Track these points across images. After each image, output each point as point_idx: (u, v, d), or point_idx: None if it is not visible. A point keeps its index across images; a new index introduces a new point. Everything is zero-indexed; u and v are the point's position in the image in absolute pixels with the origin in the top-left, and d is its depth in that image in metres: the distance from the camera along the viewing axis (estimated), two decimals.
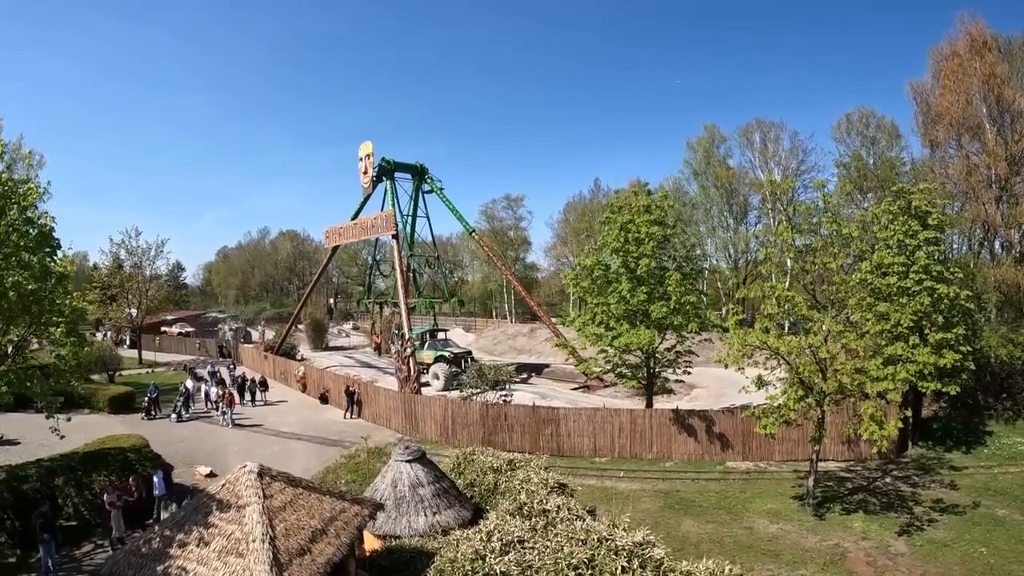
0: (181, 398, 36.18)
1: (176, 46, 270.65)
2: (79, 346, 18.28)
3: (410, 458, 17.47)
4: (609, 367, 28.06)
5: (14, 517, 18.80)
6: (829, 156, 71.15)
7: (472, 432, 28.90)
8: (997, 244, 34.53)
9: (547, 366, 49.70)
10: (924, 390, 22.99)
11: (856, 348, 16.76)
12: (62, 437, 19.35)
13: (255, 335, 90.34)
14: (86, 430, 30.13)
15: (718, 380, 38.07)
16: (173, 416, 34.85)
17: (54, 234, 17.73)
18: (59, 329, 17.63)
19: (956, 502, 21.48)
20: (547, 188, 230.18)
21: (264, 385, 40.32)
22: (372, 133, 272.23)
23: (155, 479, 21.32)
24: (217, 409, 35.65)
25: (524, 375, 47.65)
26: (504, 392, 31.31)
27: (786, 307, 17.82)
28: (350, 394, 35.24)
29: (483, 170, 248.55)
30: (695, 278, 28.86)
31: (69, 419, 19.92)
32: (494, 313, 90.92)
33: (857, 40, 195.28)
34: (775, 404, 17.91)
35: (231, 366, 50.77)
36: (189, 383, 38.73)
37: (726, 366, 18.78)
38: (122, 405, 36.79)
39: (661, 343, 27.12)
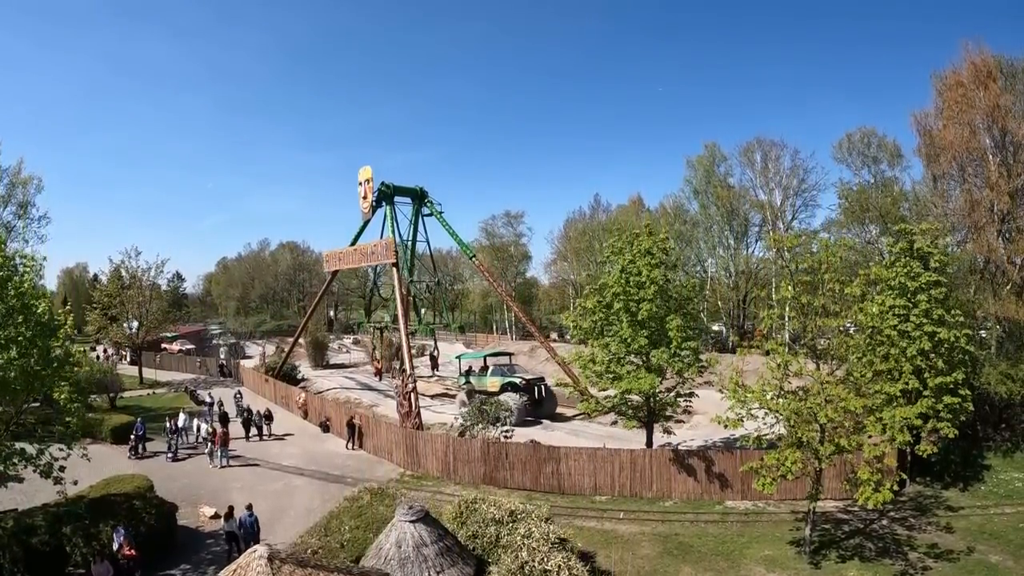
0: (173, 436, 34.84)
1: (172, 49, 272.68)
2: (84, 410, 18.63)
3: (414, 518, 17.68)
4: (610, 406, 28.30)
5: (24, 572, 19.09)
6: (829, 177, 71.76)
7: (473, 469, 29.16)
8: (999, 276, 34.60)
9: None
10: (922, 453, 23.26)
11: (854, 410, 17.05)
12: (67, 499, 19.60)
13: (254, 350, 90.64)
14: (89, 464, 30.36)
15: (718, 406, 38.13)
16: (168, 455, 33.91)
17: (54, 316, 17.97)
18: (63, 395, 17.94)
19: (951, 547, 21.74)
20: (547, 196, 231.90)
21: (269, 418, 39.57)
22: (371, 138, 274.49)
23: (115, 535, 20.50)
24: (206, 447, 34.20)
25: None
26: (505, 428, 31.51)
27: (786, 371, 18.14)
28: (351, 426, 35.44)
29: (482, 176, 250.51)
30: (696, 317, 29.07)
31: (76, 483, 20.26)
32: (495, 327, 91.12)
33: (859, 56, 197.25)
34: (771, 464, 18.19)
35: (238, 395, 48.13)
36: (181, 418, 37.10)
37: (725, 426, 19.06)
38: (124, 436, 36.87)
39: (662, 383, 27.35)
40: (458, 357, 50.97)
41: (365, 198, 46.52)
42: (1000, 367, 29.74)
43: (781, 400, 18.25)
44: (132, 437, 34.88)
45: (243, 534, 21.75)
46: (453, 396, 50.05)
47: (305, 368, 65.26)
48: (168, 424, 35.85)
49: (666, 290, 26.68)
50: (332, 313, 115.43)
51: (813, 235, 53.75)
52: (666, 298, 26.66)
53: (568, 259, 76.70)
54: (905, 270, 25.12)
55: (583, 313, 28.13)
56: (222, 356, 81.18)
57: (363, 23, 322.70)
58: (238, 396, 46.60)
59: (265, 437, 38.14)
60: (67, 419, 18.65)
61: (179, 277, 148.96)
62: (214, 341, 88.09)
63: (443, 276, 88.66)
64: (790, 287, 19.21)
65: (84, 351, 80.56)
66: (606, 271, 28.47)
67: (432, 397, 49.53)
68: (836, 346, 18.73)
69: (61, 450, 19.53)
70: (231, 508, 22.72)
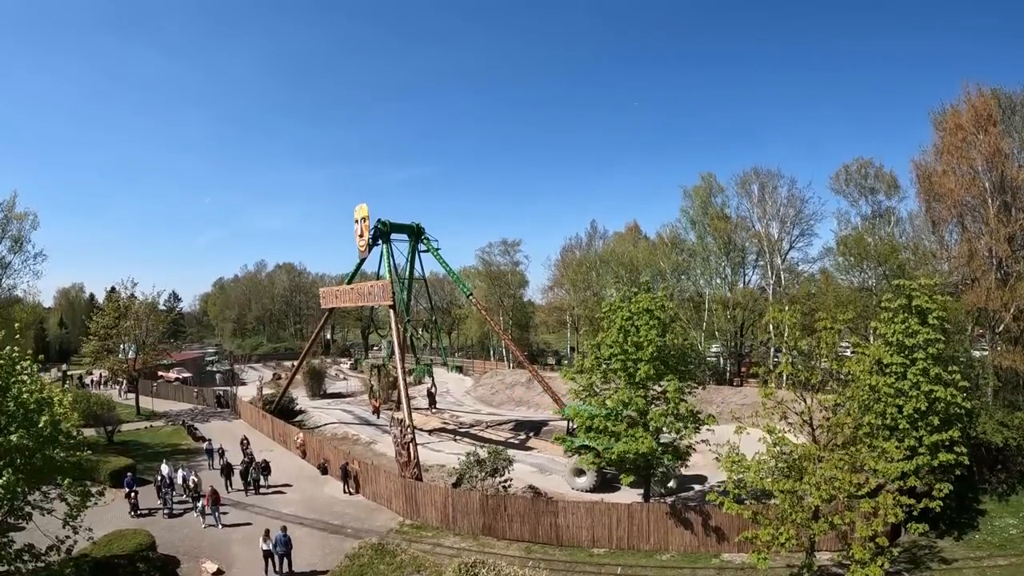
0: (166, 489, 33.16)
1: (168, 64, 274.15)
2: (86, 496, 18.80)
3: None
4: (607, 460, 28.47)
5: None
6: (827, 206, 72.30)
7: (473, 520, 29.32)
8: (996, 323, 34.74)
9: (545, 424, 50.03)
10: (913, 531, 23.50)
11: (849, 490, 17.35)
12: (72, 558, 19.67)
13: (251, 375, 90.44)
14: (90, 511, 30.22)
15: (716, 445, 38.34)
16: (164, 512, 32.58)
17: (58, 427, 18.06)
18: (66, 482, 18.10)
19: None
20: (544, 214, 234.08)
21: (267, 470, 37.71)
22: (370, 153, 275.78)
23: None
24: (196, 503, 32.00)
25: (522, 435, 48.00)
26: (503, 479, 31.63)
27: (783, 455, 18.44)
28: (346, 472, 35.53)
29: (478, 195, 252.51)
30: (694, 374, 29.21)
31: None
32: (491, 353, 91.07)
33: (858, 83, 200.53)
34: (766, 539, 18.46)
35: (244, 441, 43.97)
36: (164, 469, 34.81)
37: (720, 504, 19.29)
38: (122, 479, 36.60)
39: (659, 440, 27.55)
40: (567, 417, 36.73)
41: (361, 236, 46.37)
42: (996, 416, 29.99)
43: (776, 471, 18.53)
44: (127, 494, 32.93)
45: (278, 551, 25.46)
46: (451, 432, 50.24)
47: (303, 398, 65.30)
48: (157, 478, 34.46)
49: (664, 350, 26.81)
50: (329, 335, 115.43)
51: (810, 281, 54.32)
52: (664, 357, 26.88)
53: (565, 287, 76.75)
54: (903, 327, 25.41)
55: (581, 371, 28.37)
56: (218, 381, 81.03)
57: (359, 41, 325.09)
58: (245, 443, 43.96)
59: (263, 490, 36.33)
60: (70, 506, 18.77)
61: (175, 297, 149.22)
62: (209, 367, 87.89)
63: (439, 299, 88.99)
64: (790, 364, 19.57)
65: (81, 375, 79.99)
66: (604, 326, 28.60)
67: (430, 432, 49.64)
68: (833, 424, 19.03)
69: (68, 535, 19.51)
70: (268, 530, 26.05)
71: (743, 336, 63.45)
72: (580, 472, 34.19)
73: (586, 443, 32.32)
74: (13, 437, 16.27)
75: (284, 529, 26.37)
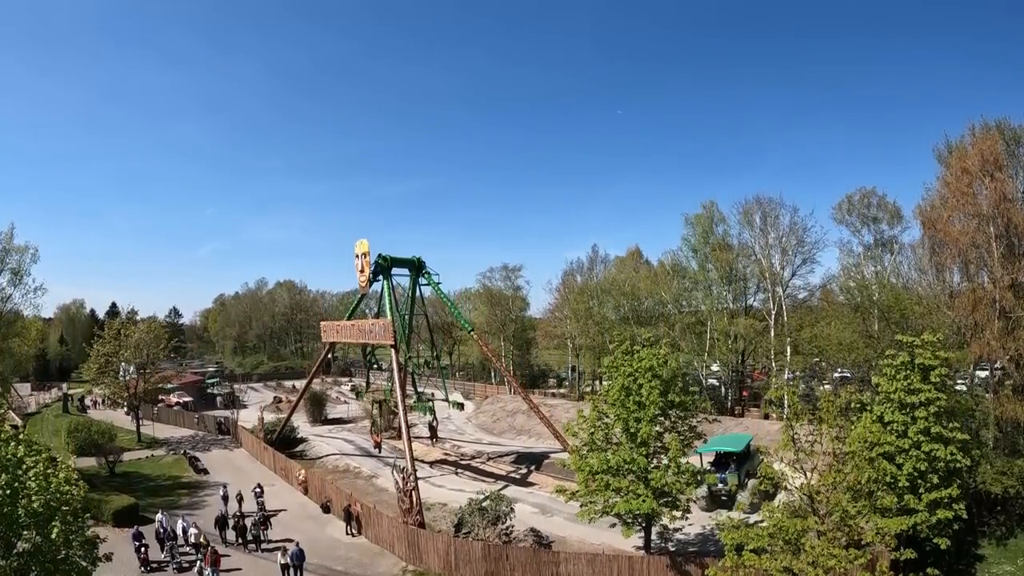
0: (170, 542, 32.27)
1: (168, 78, 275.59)
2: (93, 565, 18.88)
3: None
4: (609, 512, 28.48)
5: None
6: (829, 235, 72.42)
7: (475, 568, 29.30)
8: (998, 375, 34.72)
9: (547, 456, 50.03)
10: None
11: (845, 566, 17.49)
12: None
13: (253, 396, 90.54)
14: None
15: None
16: (173, 566, 31.38)
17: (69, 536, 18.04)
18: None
19: None
20: (545, 230, 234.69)
21: (267, 523, 35.76)
22: (370, 163, 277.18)
23: None
24: (196, 553, 31.42)
25: (523, 469, 47.97)
26: (506, 526, 31.69)
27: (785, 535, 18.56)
28: (348, 513, 35.54)
29: (480, 208, 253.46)
30: (695, 428, 29.21)
31: None
32: (492, 375, 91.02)
33: (861, 101, 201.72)
34: None
35: (258, 490, 41.10)
36: (160, 519, 34.02)
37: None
38: (126, 519, 36.65)
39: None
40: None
41: (362, 271, 46.11)
42: (996, 464, 30.00)
43: (774, 563, 18.64)
44: (137, 549, 31.79)
45: (295, 563, 29.19)
46: (453, 464, 50.24)
47: (303, 424, 65.36)
48: (160, 529, 33.65)
49: (666, 407, 26.89)
50: (330, 355, 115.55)
51: (812, 326, 54.29)
52: (666, 412, 26.99)
53: (566, 312, 76.58)
54: (904, 383, 25.45)
55: (582, 423, 28.40)
56: (219, 405, 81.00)
57: (358, 54, 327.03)
58: (258, 491, 41.05)
59: (264, 545, 34.04)
60: None
61: (176, 313, 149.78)
62: (210, 390, 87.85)
63: (439, 319, 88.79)
64: (790, 442, 19.73)
65: (82, 396, 79.59)
66: (606, 374, 28.69)
67: (431, 465, 49.69)
68: (832, 503, 19.15)
69: None
70: (285, 547, 30.13)
71: (744, 363, 63.53)
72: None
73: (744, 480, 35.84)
74: (28, 546, 16.28)
75: (297, 544, 30.31)
